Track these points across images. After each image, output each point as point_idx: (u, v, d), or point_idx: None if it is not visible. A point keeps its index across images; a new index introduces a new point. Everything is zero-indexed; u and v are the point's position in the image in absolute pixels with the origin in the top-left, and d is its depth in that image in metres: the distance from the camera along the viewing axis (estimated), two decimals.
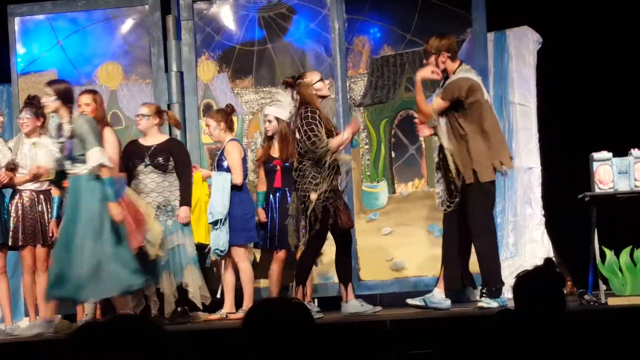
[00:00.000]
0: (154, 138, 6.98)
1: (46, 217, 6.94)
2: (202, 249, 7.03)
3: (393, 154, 7.66)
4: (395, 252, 7.53)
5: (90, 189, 6.22)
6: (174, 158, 6.91)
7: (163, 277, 6.77)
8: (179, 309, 6.78)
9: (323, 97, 6.57)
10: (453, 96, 6.27)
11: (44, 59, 8.01)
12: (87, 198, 6.22)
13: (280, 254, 7.06)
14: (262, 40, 7.89)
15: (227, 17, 7.96)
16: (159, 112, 7.06)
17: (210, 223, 6.94)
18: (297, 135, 6.38)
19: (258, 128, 7.79)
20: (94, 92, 6.89)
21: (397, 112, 7.65)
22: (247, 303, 6.87)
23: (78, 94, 6.86)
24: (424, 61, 6.47)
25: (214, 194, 6.96)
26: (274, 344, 2.51)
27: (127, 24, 8.00)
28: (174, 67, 7.87)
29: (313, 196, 6.25)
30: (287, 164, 6.94)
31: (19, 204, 6.95)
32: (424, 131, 6.60)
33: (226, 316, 6.92)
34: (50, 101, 6.35)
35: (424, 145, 7.58)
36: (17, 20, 7.98)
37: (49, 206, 6.97)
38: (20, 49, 8.01)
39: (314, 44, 7.85)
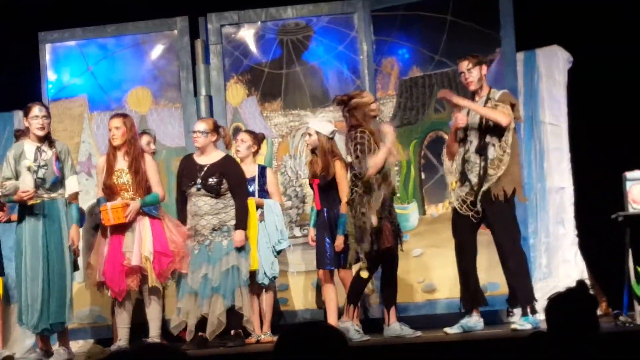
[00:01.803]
0: (210, 156, 6.73)
1: None
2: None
3: (423, 176, 7.62)
4: (427, 274, 7.48)
5: (66, 214, 6.33)
6: (228, 179, 6.64)
7: (212, 299, 6.49)
8: (232, 331, 6.55)
9: (375, 117, 6.51)
10: (513, 103, 6.27)
11: (74, 84, 8.08)
12: (65, 224, 6.31)
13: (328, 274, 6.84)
14: (291, 63, 7.90)
15: (255, 40, 7.99)
16: (216, 128, 6.82)
17: (279, 250, 6.94)
18: (350, 158, 6.33)
19: (287, 151, 7.79)
20: (124, 116, 6.71)
21: (426, 133, 7.62)
22: (267, 328, 6.90)
23: (109, 117, 6.91)
24: (463, 75, 6.34)
25: (279, 222, 6.93)
26: None
27: (156, 49, 8.05)
28: (202, 91, 7.90)
29: (374, 220, 6.15)
30: (323, 183, 6.77)
31: None
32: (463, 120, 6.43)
33: (259, 340, 6.82)
34: (47, 123, 6.39)
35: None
36: (48, 46, 8.06)
37: None
38: (51, 75, 8.08)
39: (342, 66, 7.85)
